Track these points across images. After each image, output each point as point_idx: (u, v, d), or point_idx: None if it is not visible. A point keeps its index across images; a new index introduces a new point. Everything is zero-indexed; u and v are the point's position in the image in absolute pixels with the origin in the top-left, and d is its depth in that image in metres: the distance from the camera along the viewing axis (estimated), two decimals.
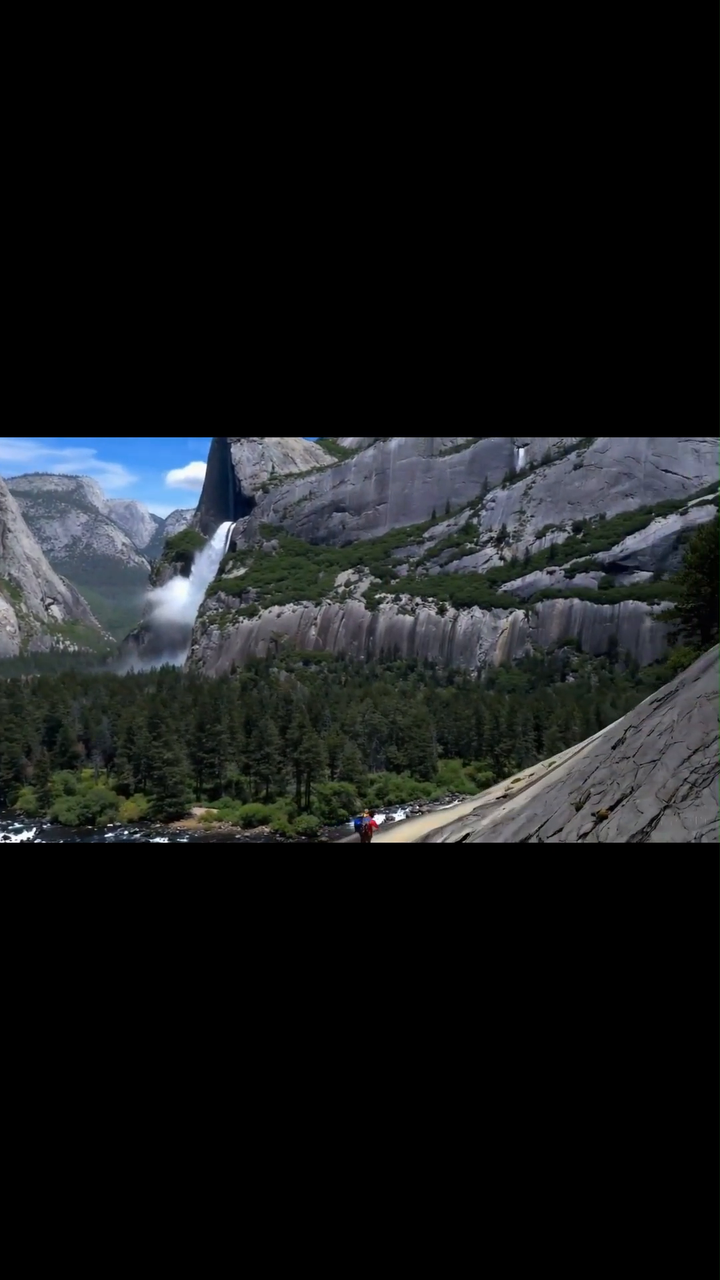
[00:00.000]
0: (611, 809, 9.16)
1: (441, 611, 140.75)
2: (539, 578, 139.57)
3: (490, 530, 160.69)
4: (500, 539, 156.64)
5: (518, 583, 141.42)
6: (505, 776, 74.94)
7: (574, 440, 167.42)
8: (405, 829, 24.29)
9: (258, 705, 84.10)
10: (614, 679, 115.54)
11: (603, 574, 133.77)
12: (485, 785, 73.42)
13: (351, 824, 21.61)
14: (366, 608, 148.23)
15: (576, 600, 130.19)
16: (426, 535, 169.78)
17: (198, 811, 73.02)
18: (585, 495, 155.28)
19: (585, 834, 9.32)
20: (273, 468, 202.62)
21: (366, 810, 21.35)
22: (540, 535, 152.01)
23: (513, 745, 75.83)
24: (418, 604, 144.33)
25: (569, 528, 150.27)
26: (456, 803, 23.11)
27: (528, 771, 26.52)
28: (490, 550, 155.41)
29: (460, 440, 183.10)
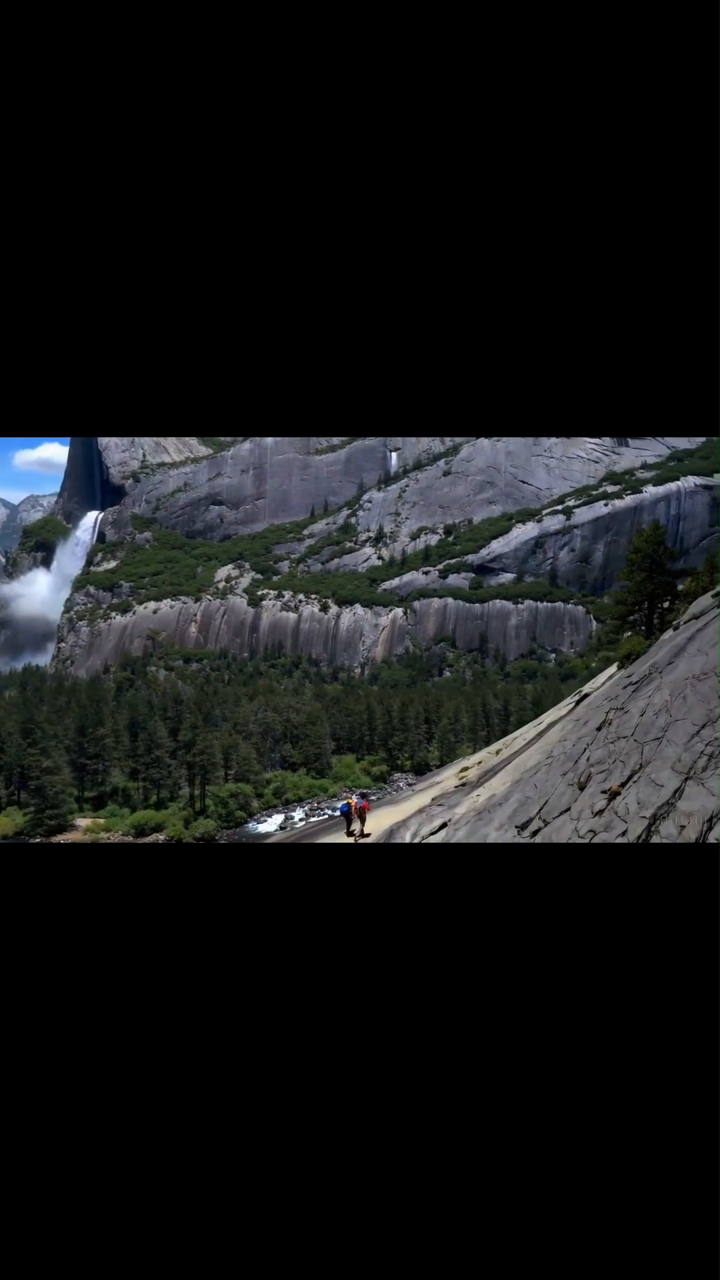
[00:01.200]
0: (624, 785, 9.20)
1: (324, 608, 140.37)
2: (415, 577, 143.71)
3: (368, 530, 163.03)
4: (378, 539, 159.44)
5: (395, 582, 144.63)
6: (399, 769, 76.35)
7: (442, 448, 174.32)
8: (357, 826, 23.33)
9: (145, 706, 78.62)
10: (485, 673, 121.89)
11: (472, 575, 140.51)
12: (380, 779, 74.09)
13: (338, 809, 20.86)
14: (249, 604, 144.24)
15: (450, 599, 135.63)
16: (306, 532, 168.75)
17: (82, 823, 66.75)
18: (454, 500, 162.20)
19: (600, 810, 9.31)
20: (144, 455, 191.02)
21: (352, 796, 21.78)
22: (415, 537, 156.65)
23: (405, 739, 77.17)
24: (301, 601, 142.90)
25: (440, 530, 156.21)
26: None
27: (475, 759, 26.27)
28: (369, 550, 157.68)
29: (335, 440, 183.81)
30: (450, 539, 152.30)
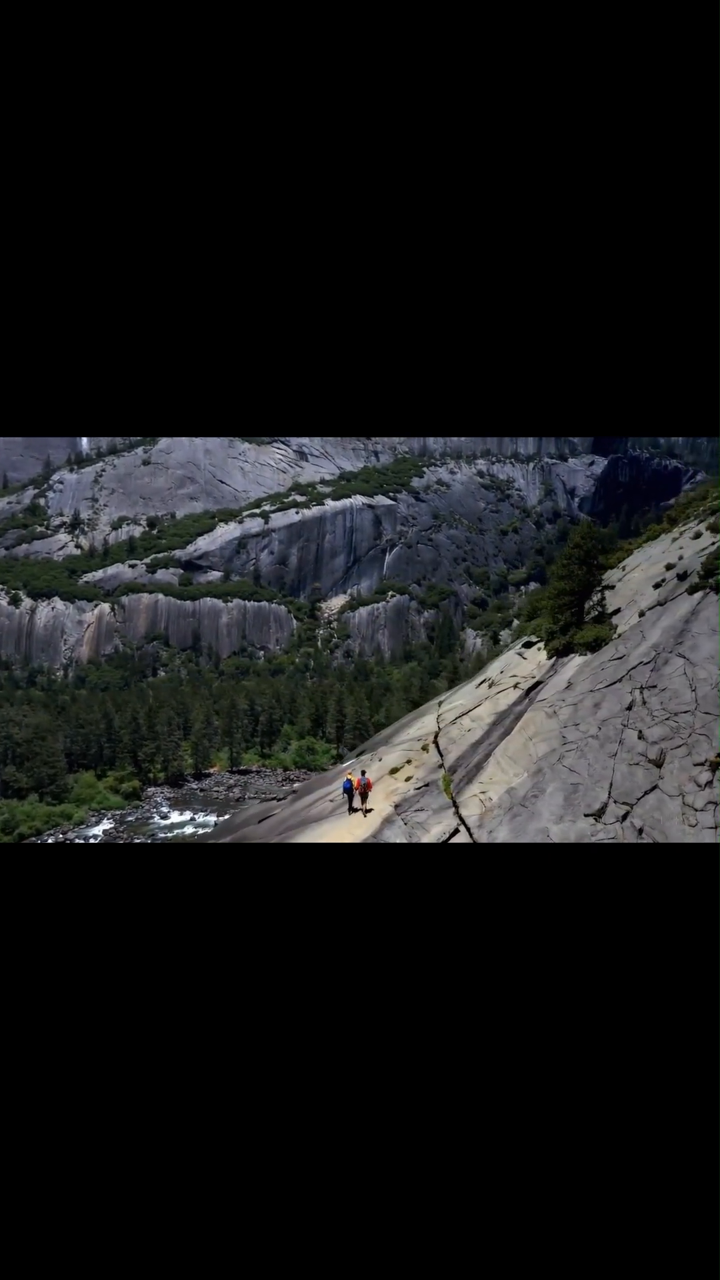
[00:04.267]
0: None
1: (15, 601, 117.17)
2: (121, 570, 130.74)
3: (61, 514, 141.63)
4: (74, 525, 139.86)
5: (100, 574, 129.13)
6: (153, 783, 69.77)
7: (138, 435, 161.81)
8: (320, 833, 19.07)
9: None
10: (201, 671, 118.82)
11: (181, 571, 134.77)
12: (133, 796, 66.96)
13: (341, 788, 20.10)
14: None
15: (161, 595, 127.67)
16: None
17: None
18: (155, 492, 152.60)
19: (708, 782, 10.37)
20: None
21: (354, 774, 20.89)
22: (116, 526, 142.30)
23: (157, 748, 71.29)
24: None
25: (143, 522, 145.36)
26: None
27: (396, 758, 23.28)
28: (64, 536, 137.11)
29: None
30: (155, 532, 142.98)
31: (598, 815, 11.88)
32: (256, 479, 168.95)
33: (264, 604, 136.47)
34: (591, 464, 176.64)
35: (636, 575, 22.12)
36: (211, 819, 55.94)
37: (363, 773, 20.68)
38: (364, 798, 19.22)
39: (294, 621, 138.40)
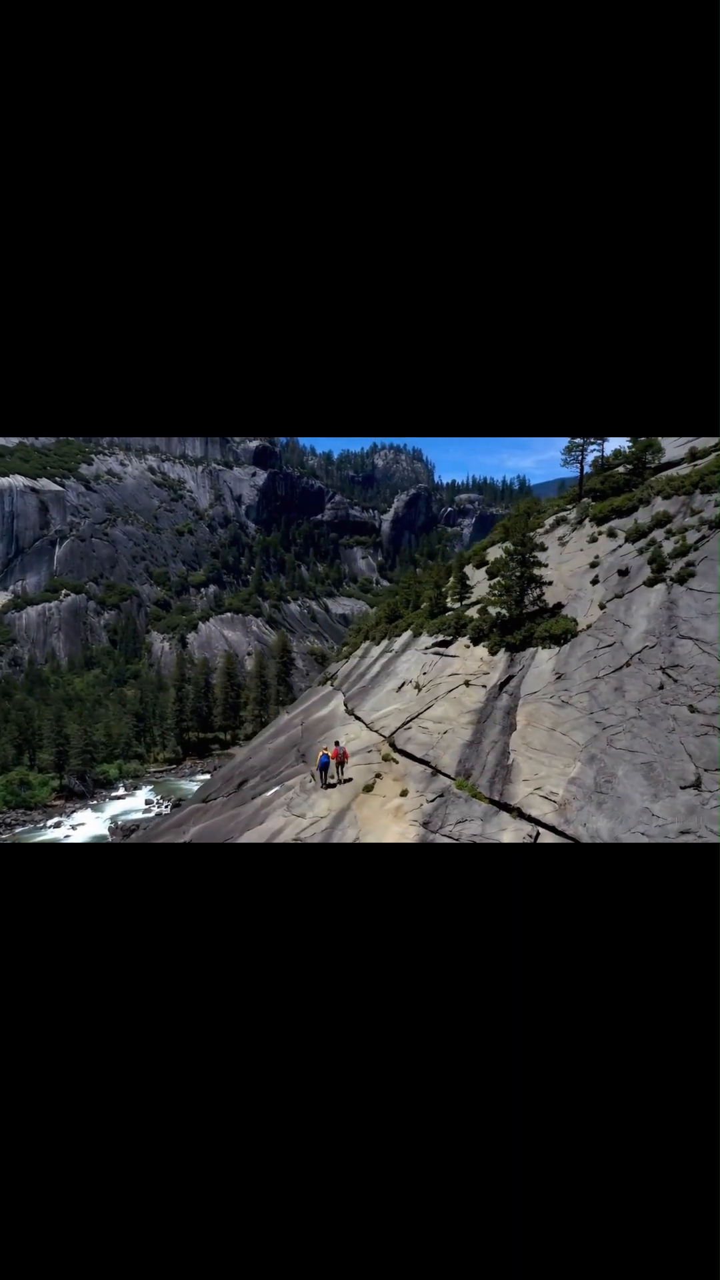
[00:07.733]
0: None
1: None
2: None
3: None
4: None
5: None
6: None
7: None
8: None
9: None
10: None
11: None
12: None
13: (320, 763, 19.40)
14: None
15: None
16: None
17: None
18: None
19: None
20: None
21: (329, 747, 20.34)
22: None
23: None
24: None
25: None
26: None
27: (360, 773, 20.15)
28: None
29: None
30: None
31: (696, 786, 11.74)
32: None
33: None
34: (254, 474, 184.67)
35: (549, 574, 22.52)
36: None
37: (336, 743, 19.87)
38: (341, 768, 18.88)
39: None
